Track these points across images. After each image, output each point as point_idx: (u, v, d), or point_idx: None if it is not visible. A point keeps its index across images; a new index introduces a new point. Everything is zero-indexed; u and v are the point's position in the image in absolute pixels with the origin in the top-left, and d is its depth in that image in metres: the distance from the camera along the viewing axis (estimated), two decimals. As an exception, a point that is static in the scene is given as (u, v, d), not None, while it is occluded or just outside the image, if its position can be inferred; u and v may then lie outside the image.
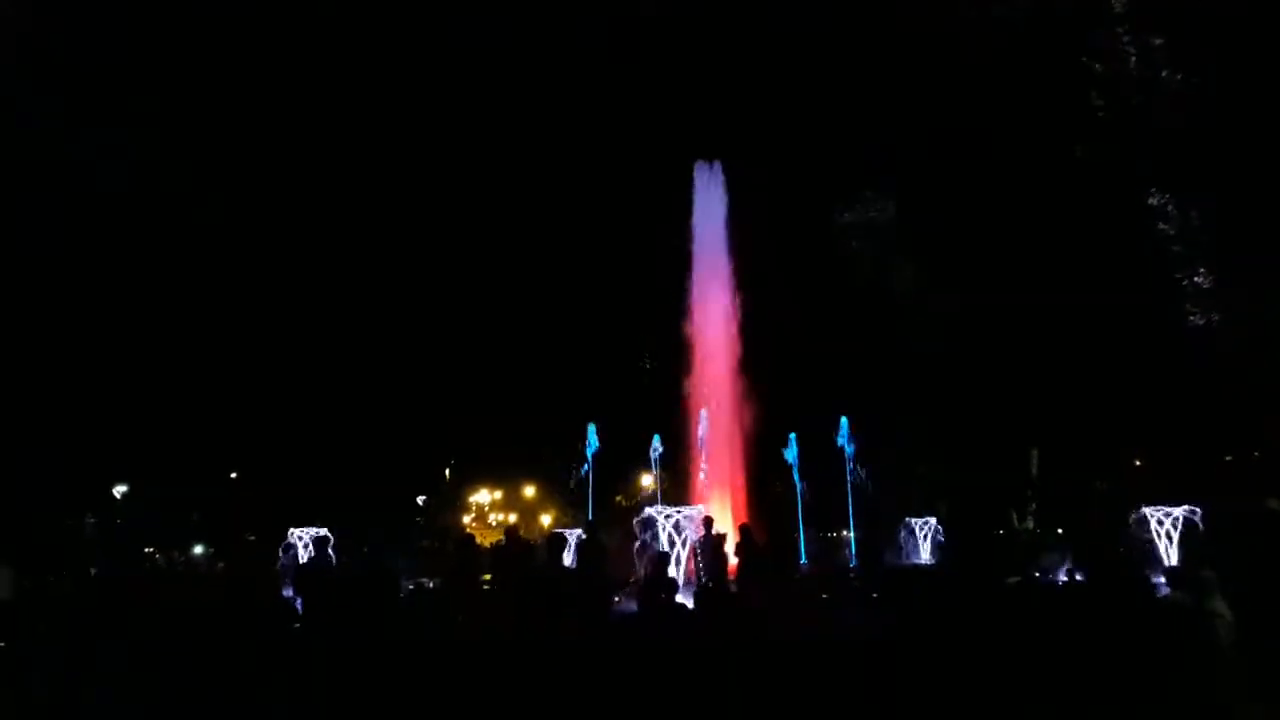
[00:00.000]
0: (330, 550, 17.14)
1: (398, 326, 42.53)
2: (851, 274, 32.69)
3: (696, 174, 31.62)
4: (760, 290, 30.88)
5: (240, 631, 10.13)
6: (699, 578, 16.48)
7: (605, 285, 39.47)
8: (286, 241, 39.44)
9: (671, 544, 19.62)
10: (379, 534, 31.92)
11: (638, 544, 19.39)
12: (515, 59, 40.96)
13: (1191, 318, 21.71)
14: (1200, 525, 20.75)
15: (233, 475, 46.55)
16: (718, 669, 8.68)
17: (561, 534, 19.24)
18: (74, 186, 32.06)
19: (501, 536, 18.36)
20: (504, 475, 62.58)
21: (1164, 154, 21.50)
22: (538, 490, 62.86)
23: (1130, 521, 21.75)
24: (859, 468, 27.06)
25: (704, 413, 26.64)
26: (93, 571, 25.73)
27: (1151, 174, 21.73)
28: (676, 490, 27.04)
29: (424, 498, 56.75)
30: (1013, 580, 11.63)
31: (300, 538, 24.54)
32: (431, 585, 21.59)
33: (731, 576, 14.91)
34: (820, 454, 27.28)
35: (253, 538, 38.70)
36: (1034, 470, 33.58)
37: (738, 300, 30.37)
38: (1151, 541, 21.36)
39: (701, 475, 26.52)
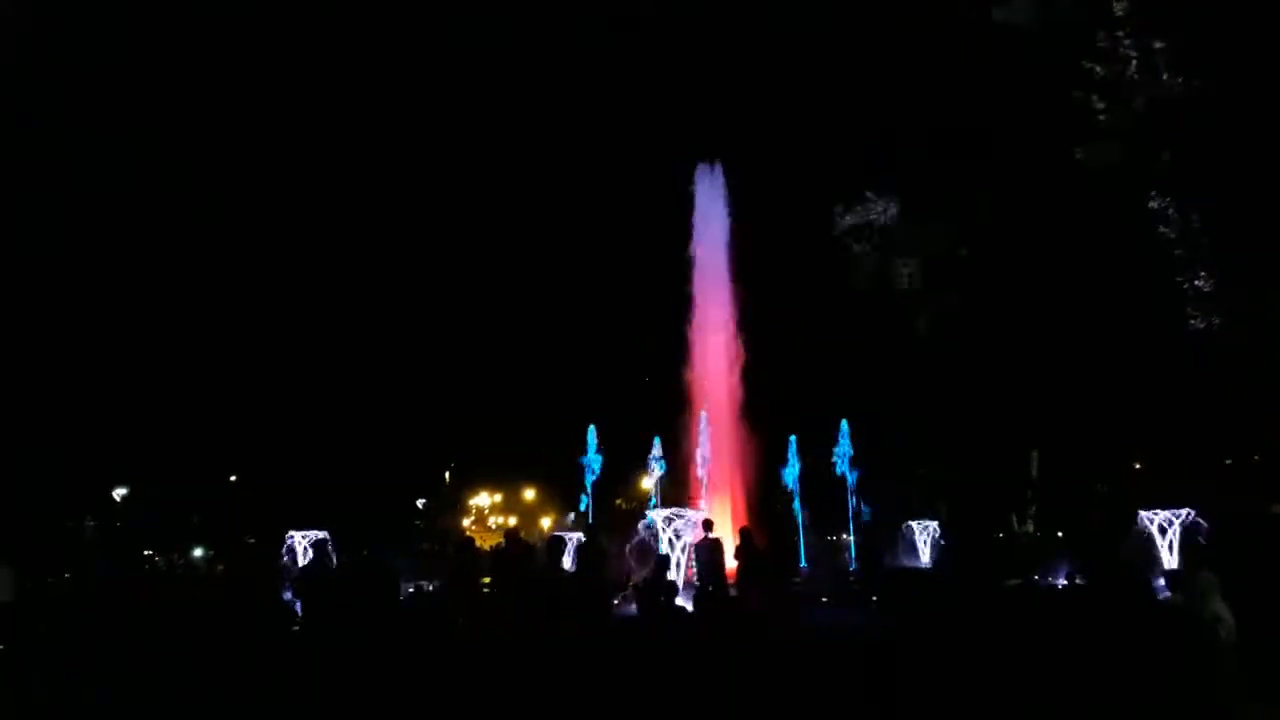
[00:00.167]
0: (330, 552, 17.11)
1: (398, 328, 42.55)
2: (852, 275, 32.66)
3: (697, 175, 31.66)
4: (761, 291, 30.90)
5: (240, 633, 10.14)
6: (699, 581, 16.45)
7: (606, 287, 39.49)
8: (287, 242, 39.45)
9: (672, 546, 19.61)
10: (379, 536, 31.89)
11: (630, 544, 19.43)
12: (515, 59, 41.00)
13: (1192, 320, 21.66)
14: (1201, 528, 20.71)
15: (232, 478, 46.54)
16: (717, 671, 8.67)
17: (561, 537, 19.22)
18: (74, 186, 32.05)
19: (501, 539, 18.34)
20: (504, 478, 62.58)
21: (1165, 156, 21.49)
22: (538, 493, 62.88)
23: (1130, 524, 21.70)
24: (859, 470, 27.05)
25: (704, 414, 26.61)
26: (93, 573, 25.74)
27: (1152, 176, 21.70)
28: (676, 493, 27.00)
29: (424, 500, 56.72)
30: (1013, 583, 11.63)
31: (300, 540, 24.51)
32: (431, 588, 21.61)
33: (731, 580, 14.87)
34: (820, 456, 27.27)
35: (252, 540, 38.69)
36: (1034, 472, 33.55)
37: (738, 301, 30.39)
38: (1151, 544, 21.31)
39: (701, 476, 26.48)
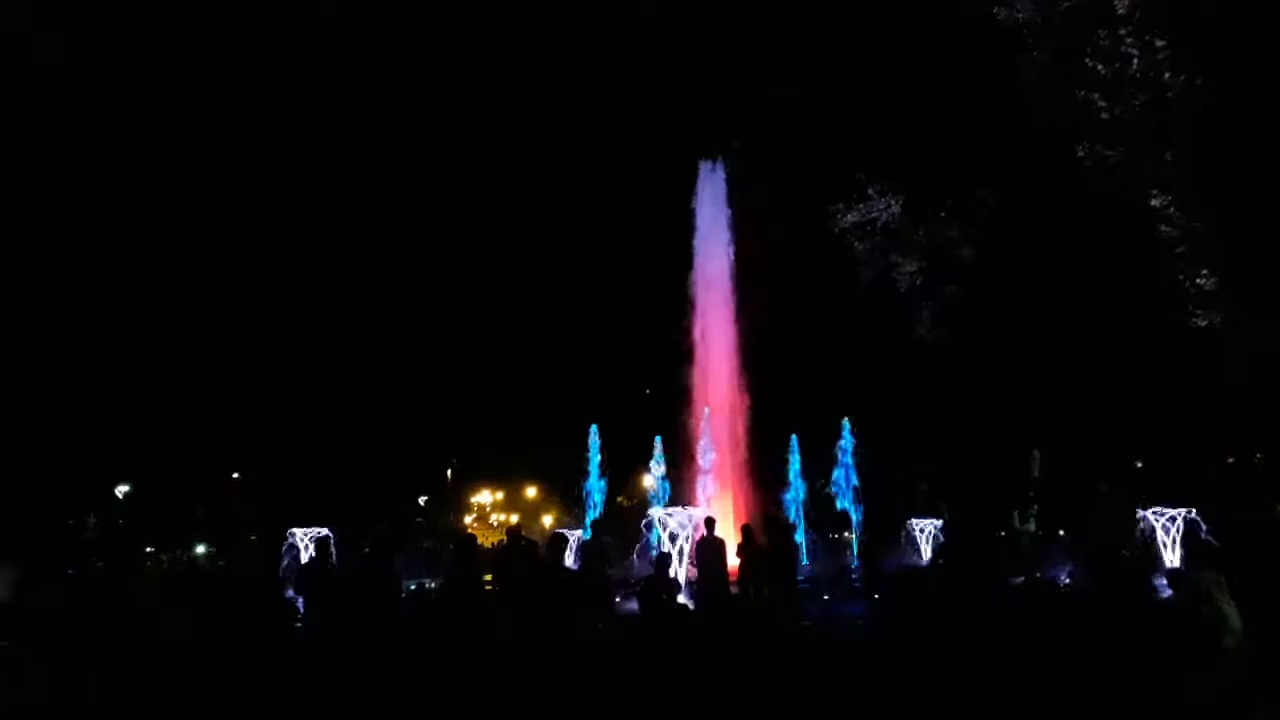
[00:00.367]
0: (332, 550, 17.09)
1: (400, 327, 42.59)
2: (854, 273, 32.61)
3: (700, 173, 31.65)
4: (763, 290, 30.88)
5: (241, 631, 10.13)
6: (701, 580, 16.43)
7: (607, 286, 39.50)
8: (289, 242, 39.47)
9: (672, 544, 19.60)
10: (380, 534, 31.88)
11: (638, 546, 19.43)
12: (516, 59, 40.99)
13: (1195, 319, 21.60)
14: (1202, 527, 20.69)
15: (234, 475, 46.59)
16: (719, 669, 8.67)
17: (563, 534, 19.23)
18: (74, 186, 32.05)
19: (503, 537, 18.36)
20: (505, 476, 62.64)
21: (1167, 156, 21.43)
22: (539, 491, 62.91)
23: (1133, 523, 21.70)
24: (860, 469, 27.05)
25: (706, 411, 26.61)
26: (93, 572, 25.70)
27: (1154, 175, 21.63)
28: (678, 491, 27.01)
29: (425, 498, 56.79)
30: (1015, 581, 11.62)
31: (302, 537, 24.53)
32: (432, 585, 21.61)
33: (733, 578, 14.86)
34: (822, 454, 27.28)
35: (254, 538, 38.71)
36: (1036, 471, 33.49)
37: (740, 299, 30.38)
38: (1154, 543, 21.32)
39: (702, 476, 26.49)
